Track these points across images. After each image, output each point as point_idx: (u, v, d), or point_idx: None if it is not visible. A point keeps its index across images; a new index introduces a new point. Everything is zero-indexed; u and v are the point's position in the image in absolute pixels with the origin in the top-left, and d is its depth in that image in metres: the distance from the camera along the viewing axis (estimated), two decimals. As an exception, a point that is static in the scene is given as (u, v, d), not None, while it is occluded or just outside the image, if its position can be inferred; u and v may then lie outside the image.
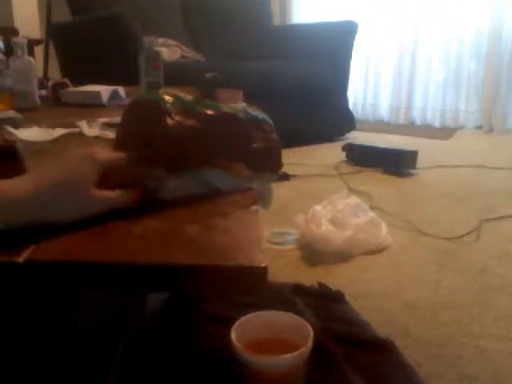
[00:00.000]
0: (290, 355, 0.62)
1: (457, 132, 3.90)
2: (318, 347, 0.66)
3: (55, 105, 1.58)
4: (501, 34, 3.79)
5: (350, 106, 3.66)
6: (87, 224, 0.50)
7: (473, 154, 3.05)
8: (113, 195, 0.53)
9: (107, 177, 0.53)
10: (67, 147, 0.94)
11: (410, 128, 4.06)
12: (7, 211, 0.46)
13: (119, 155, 0.56)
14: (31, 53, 2.84)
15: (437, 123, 4.12)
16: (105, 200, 0.52)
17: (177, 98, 0.63)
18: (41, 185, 0.48)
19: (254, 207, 0.58)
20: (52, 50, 3.33)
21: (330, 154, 3.01)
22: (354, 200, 1.83)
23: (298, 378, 0.65)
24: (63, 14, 3.23)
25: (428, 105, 4.16)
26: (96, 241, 0.48)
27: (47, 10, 3.40)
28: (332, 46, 3.41)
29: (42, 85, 1.67)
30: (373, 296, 1.39)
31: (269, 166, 0.68)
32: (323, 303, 0.96)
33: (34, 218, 0.47)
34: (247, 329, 0.67)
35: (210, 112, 0.64)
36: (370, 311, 1.11)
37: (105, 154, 0.55)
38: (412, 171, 2.64)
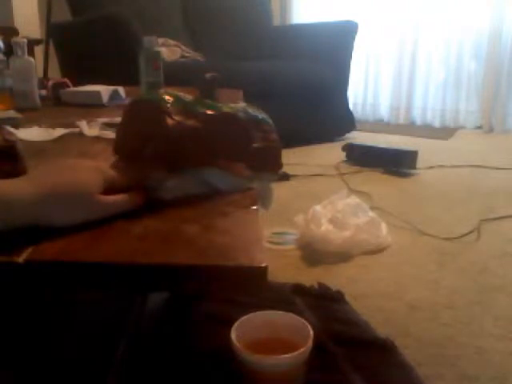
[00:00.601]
0: (289, 355, 0.62)
1: (457, 132, 3.90)
2: (318, 347, 0.66)
3: (55, 105, 1.58)
4: (501, 34, 3.79)
5: (350, 106, 3.67)
6: (87, 224, 0.50)
7: (473, 154, 3.05)
8: (117, 199, 0.53)
9: (110, 188, 0.53)
10: (67, 147, 0.94)
11: (410, 128, 4.06)
12: (7, 212, 0.46)
13: (121, 178, 0.56)
14: (31, 53, 2.85)
15: (437, 123, 4.12)
16: (109, 205, 0.52)
17: (177, 98, 0.63)
18: (44, 188, 0.48)
19: (254, 207, 0.58)
20: (52, 50, 3.33)
21: (330, 154, 3.01)
22: (354, 200, 1.83)
23: (298, 378, 0.65)
24: (63, 14, 3.23)
25: (428, 105, 4.16)
26: (96, 241, 0.48)
27: (47, 9, 3.41)
28: (332, 46, 3.41)
29: (42, 85, 1.67)
30: (373, 296, 1.39)
31: (269, 166, 0.68)
32: (323, 303, 0.96)
33: (35, 221, 0.47)
34: (247, 329, 0.67)
35: (210, 112, 0.64)
36: (370, 311, 1.11)
37: (109, 170, 0.55)
38: (412, 171, 2.64)
